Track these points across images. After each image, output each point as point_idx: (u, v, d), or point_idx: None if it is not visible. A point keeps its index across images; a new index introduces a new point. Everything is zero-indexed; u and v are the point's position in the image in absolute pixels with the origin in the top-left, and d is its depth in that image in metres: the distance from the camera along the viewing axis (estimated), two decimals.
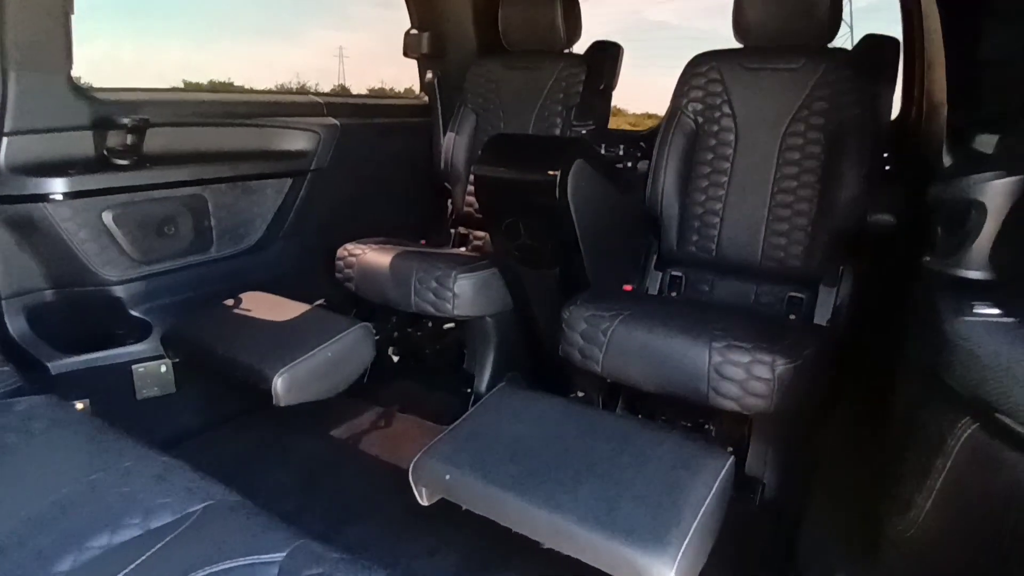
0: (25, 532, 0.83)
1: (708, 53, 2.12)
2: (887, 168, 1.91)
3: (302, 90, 2.43)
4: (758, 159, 2.00)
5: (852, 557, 1.12)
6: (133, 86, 2.04)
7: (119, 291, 1.89)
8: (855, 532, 1.16)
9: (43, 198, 1.71)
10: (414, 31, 2.71)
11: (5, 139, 1.66)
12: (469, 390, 2.17)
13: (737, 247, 2.02)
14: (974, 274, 0.85)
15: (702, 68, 2.08)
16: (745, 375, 1.45)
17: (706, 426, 1.78)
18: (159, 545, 0.81)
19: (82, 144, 1.81)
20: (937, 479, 0.77)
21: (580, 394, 1.91)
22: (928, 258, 0.95)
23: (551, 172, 1.70)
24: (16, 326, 1.76)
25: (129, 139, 1.84)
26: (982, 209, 0.83)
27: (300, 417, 2.05)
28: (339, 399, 2.15)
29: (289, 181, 2.24)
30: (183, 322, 1.85)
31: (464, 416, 1.33)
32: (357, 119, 2.45)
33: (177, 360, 1.85)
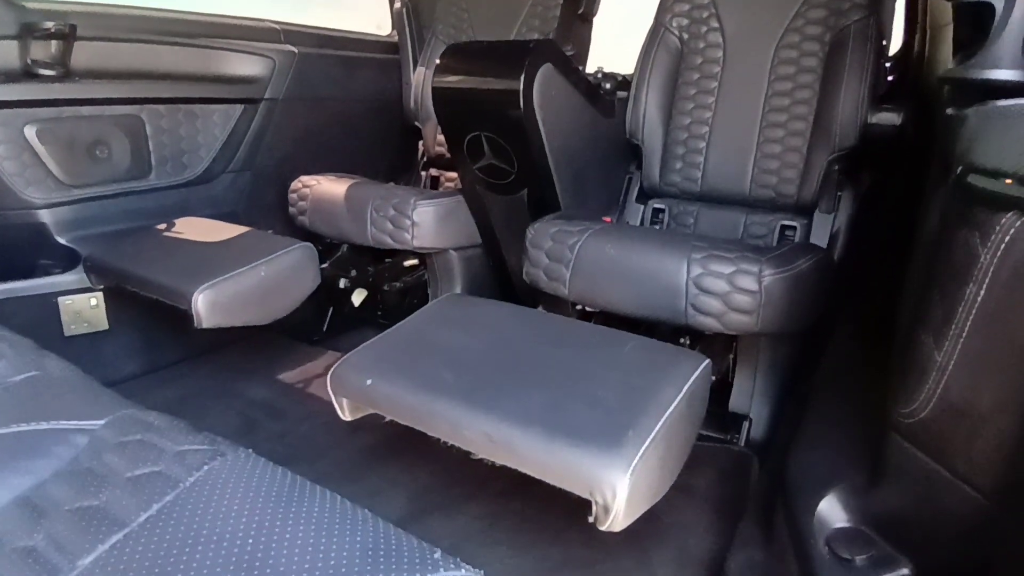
0: None
1: None
2: (890, 79, 1.72)
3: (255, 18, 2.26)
4: (748, 76, 1.82)
5: (844, 476, 0.94)
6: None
7: (44, 216, 1.72)
8: (850, 449, 0.98)
9: None
10: None
11: None
12: None
13: (724, 176, 1.84)
14: (1004, 74, 0.68)
15: None
16: (728, 287, 1.27)
17: None
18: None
19: (6, 55, 1.63)
20: (970, 307, 0.59)
21: None
22: (951, 66, 0.78)
23: (514, 78, 1.53)
24: None
25: (54, 47, 1.67)
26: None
27: (248, 363, 1.89)
28: (292, 347, 1.99)
29: (240, 108, 2.06)
30: (108, 246, 1.67)
31: (398, 323, 1.16)
32: (318, 49, 2.27)
33: (101, 287, 1.67)
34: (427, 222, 1.79)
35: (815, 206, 1.73)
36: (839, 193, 1.73)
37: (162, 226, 1.75)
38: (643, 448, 0.82)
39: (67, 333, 1.71)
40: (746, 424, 1.47)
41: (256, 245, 1.57)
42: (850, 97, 1.66)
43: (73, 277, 1.71)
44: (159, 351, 1.87)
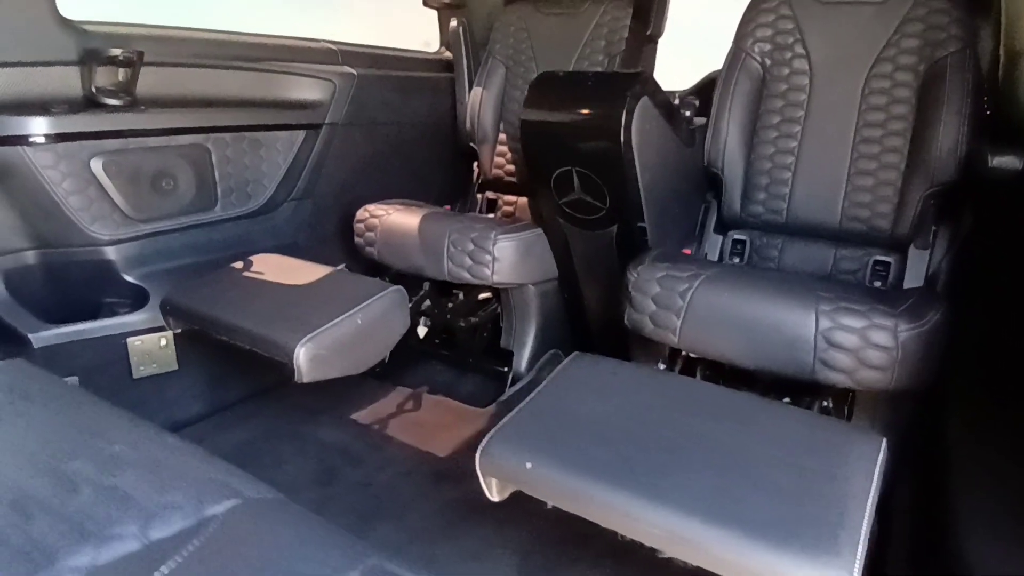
0: None
1: None
2: (988, 114, 1.67)
3: (313, 39, 2.19)
4: (837, 105, 1.76)
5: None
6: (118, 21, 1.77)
7: (111, 252, 1.64)
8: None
9: (22, 140, 1.46)
10: None
11: None
12: (506, 369, 1.93)
13: (812, 207, 1.78)
14: None
15: (771, 3, 1.84)
16: (860, 343, 1.22)
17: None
18: (167, 568, 0.56)
19: (67, 81, 1.55)
20: None
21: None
22: None
23: (616, 110, 1.46)
24: None
25: (121, 75, 1.59)
26: None
27: (317, 399, 1.82)
28: (354, 383, 1.92)
29: (302, 134, 1.99)
30: (185, 287, 1.59)
31: (534, 392, 1.09)
32: (375, 70, 2.19)
33: (179, 331, 1.60)
34: (507, 257, 1.73)
35: (910, 241, 1.68)
36: (935, 228, 1.68)
37: (238, 265, 1.68)
38: (859, 552, 0.76)
39: (136, 375, 1.64)
40: None
41: (346, 289, 1.50)
42: (949, 131, 1.60)
43: (142, 316, 1.64)
44: (225, 389, 1.81)
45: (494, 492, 0.99)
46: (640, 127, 1.50)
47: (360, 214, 1.96)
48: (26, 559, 0.57)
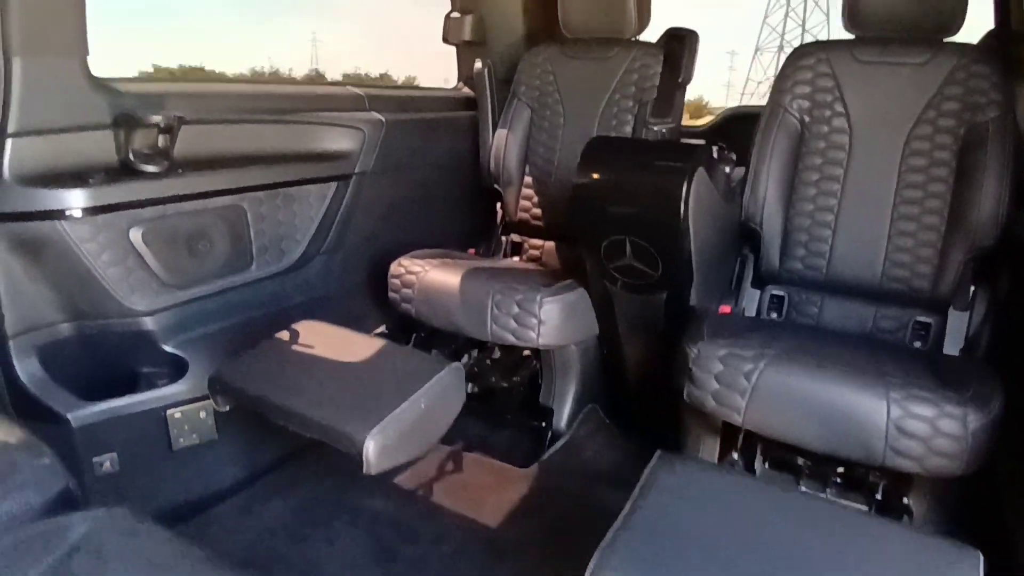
0: None
1: (814, 44, 1.89)
2: None
3: (338, 82, 2.14)
4: (877, 165, 1.77)
5: None
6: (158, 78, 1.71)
7: (149, 323, 1.59)
8: None
9: (59, 214, 1.40)
10: (455, 14, 2.41)
11: (10, 141, 1.34)
12: (544, 424, 1.92)
13: (852, 265, 1.80)
14: None
15: (809, 60, 1.84)
16: (931, 431, 1.23)
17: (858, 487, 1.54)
18: None
19: (102, 146, 1.49)
20: None
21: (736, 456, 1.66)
22: None
23: (674, 183, 1.46)
24: (27, 370, 1.45)
25: (161, 141, 1.53)
26: None
27: (349, 464, 1.78)
28: None
29: (334, 187, 1.94)
30: (233, 365, 1.54)
31: (632, 502, 1.08)
32: (401, 114, 2.15)
33: (227, 409, 1.55)
34: (553, 319, 1.72)
35: (949, 302, 1.70)
36: (973, 288, 1.70)
37: (284, 335, 1.63)
38: None
39: (175, 447, 1.60)
40: None
41: (403, 367, 1.47)
42: (989, 197, 1.63)
43: (181, 388, 1.60)
44: (263, 452, 1.76)
45: None
46: (696, 198, 1.50)
47: (395, 269, 1.93)
48: None
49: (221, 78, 2.02)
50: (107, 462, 1.49)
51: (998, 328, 1.66)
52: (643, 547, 0.97)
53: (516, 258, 2.34)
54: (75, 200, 1.41)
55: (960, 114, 1.70)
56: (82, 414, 1.46)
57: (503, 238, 2.37)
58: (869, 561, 0.96)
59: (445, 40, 2.45)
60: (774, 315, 1.90)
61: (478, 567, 1.48)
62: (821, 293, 1.85)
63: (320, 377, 1.47)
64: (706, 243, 1.63)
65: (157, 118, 1.49)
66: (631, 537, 0.99)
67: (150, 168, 1.51)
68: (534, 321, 1.71)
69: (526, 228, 2.32)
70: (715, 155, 1.89)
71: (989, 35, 1.84)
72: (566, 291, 1.75)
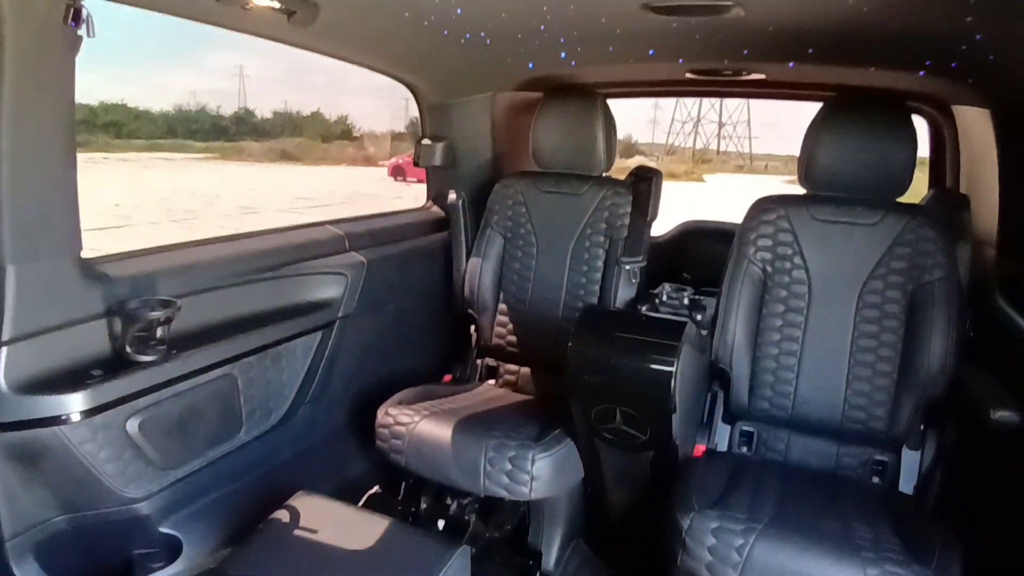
0: None
1: (773, 197, 2.03)
2: (971, 335, 1.88)
3: (316, 223, 2.16)
4: (834, 315, 1.93)
5: None
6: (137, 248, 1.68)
7: (144, 508, 1.56)
8: None
9: (58, 420, 1.37)
10: (427, 141, 2.48)
11: (4, 350, 1.32)
12: (532, 563, 1.98)
13: (816, 406, 1.94)
14: None
15: (769, 215, 1.99)
16: None
17: None
18: None
19: (97, 337, 1.47)
20: None
21: None
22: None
23: (667, 365, 1.56)
24: (24, 570, 1.41)
25: (159, 332, 1.52)
26: None
27: None
28: None
29: (319, 335, 1.96)
30: (234, 559, 1.53)
31: None
32: (379, 249, 2.19)
33: None
34: (545, 475, 1.78)
35: (903, 442, 1.87)
36: (924, 428, 1.87)
37: (284, 516, 1.62)
38: None
39: None
40: None
41: (411, 554, 1.49)
42: (937, 351, 1.80)
43: (178, 568, 1.57)
44: None
45: None
46: (683, 371, 1.60)
47: (383, 419, 1.95)
48: None
49: (212, 240, 1.96)
50: None
51: (948, 468, 1.83)
52: None
53: (492, 381, 2.39)
54: (74, 404, 1.38)
55: (909, 272, 1.87)
56: None
57: (478, 362, 2.42)
58: None
59: (416, 164, 2.50)
60: (744, 449, 2.02)
61: None
62: (788, 430, 1.99)
63: (327, 568, 1.48)
64: (687, 398, 1.73)
65: (156, 314, 1.48)
66: None
67: (147, 358, 1.50)
68: (527, 477, 1.77)
69: (501, 353, 2.39)
70: (664, 298, 2.01)
71: (933, 195, 2.04)
72: (556, 446, 1.82)
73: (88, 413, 1.40)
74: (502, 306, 2.37)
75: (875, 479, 1.90)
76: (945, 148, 2.31)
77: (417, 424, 1.90)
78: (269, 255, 1.89)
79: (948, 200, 2.02)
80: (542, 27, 1.74)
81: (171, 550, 1.59)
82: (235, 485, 1.73)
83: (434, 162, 2.48)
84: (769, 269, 1.99)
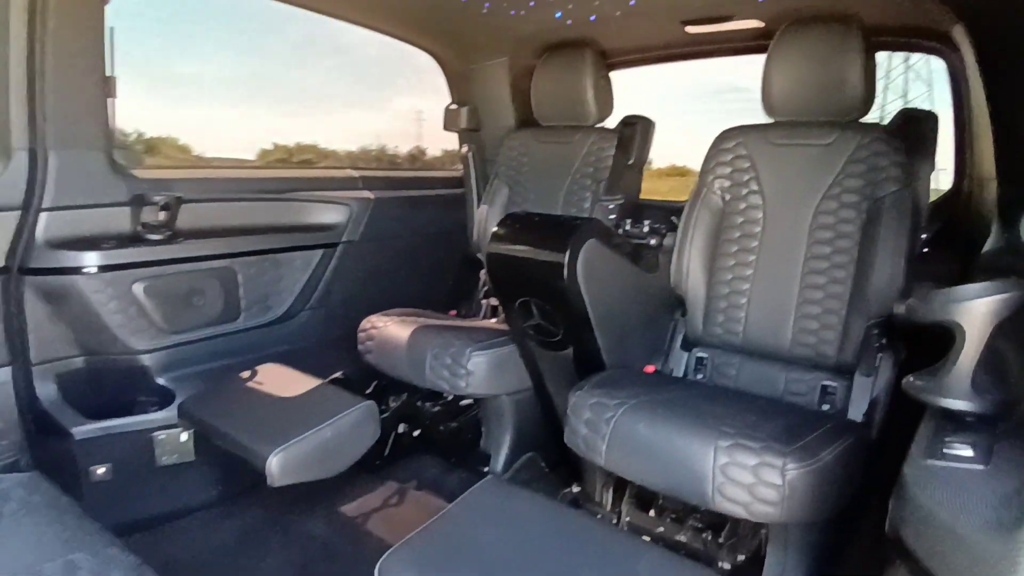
0: None
1: (736, 128, 2.05)
2: (925, 250, 1.77)
3: (339, 166, 2.51)
4: (787, 239, 1.90)
5: None
6: (169, 165, 2.14)
7: (145, 360, 1.95)
8: None
9: (76, 271, 1.80)
10: (453, 106, 2.77)
11: (43, 215, 1.77)
12: (486, 469, 2.11)
13: (764, 331, 1.91)
14: (954, 404, 0.75)
15: (729, 143, 2.02)
16: (753, 479, 1.34)
17: (719, 533, 1.65)
18: None
19: (118, 219, 1.90)
20: None
21: (576, 489, 1.83)
22: (911, 378, 0.84)
23: (559, 254, 1.67)
24: (44, 392, 1.84)
25: (162, 215, 1.93)
26: (960, 331, 0.74)
27: (314, 491, 2.03)
28: (353, 474, 2.12)
29: (319, 253, 2.29)
30: (199, 394, 1.88)
31: (440, 513, 1.28)
32: (391, 191, 2.50)
33: (192, 430, 1.87)
34: (480, 371, 1.93)
35: (855, 368, 1.77)
36: (879, 356, 1.76)
37: (245, 374, 1.95)
38: None
39: (159, 463, 1.92)
40: None
41: (323, 403, 1.74)
42: (886, 268, 1.72)
43: (167, 414, 1.92)
44: (236, 478, 2.05)
45: None
46: (587, 264, 1.70)
47: (364, 324, 2.22)
48: None
49: (223, 163, 2.37)
50: (101, 469, 1.83)
51: (897, 395, 1.71)
52: (431, 549, 1.17)
53: (494, 319, 2.57)
54: (90, 260, 1.81)
55: (862, 189, 1.81)
56: (83, 429, 1.82)
57: (483, 302, 2.62)
58: (615, 569, 1.11)
59: (445, 128, 2.80)
60: (700, 376, 2.02)
61: None
62: (739, 356, 1.97)
63: (257, 408, 1.76)
64: (612, 306, 1.81)
65: (160, 198, 1.90)
66: (422, 541, 1.19)
67: (153, 236, 1.91)
68: (463, 371, 1.93)
69: None
70: (646, 229, 2.08)
71: (900, 114, 1.95)
72: (496, 346, 1.97)
73: (101, 269, 1.83)
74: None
75: (826, 407, 1.82)
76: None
77: (386, 327, 2.15)
78: (280, 182, 2.27)
79: (915, 118, 1.91)
80: None
81: (165, 398, 1.96)
82: (228, 361, 2.08)
83: (460, 125, 2.76)
84: (728, 197, 2.01)
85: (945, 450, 0.68)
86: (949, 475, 0.64)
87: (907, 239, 1.72)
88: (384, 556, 1.16)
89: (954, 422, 0.74)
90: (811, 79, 1.87)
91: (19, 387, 1.82)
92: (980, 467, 0.65)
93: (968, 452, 0.67)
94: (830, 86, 1.85)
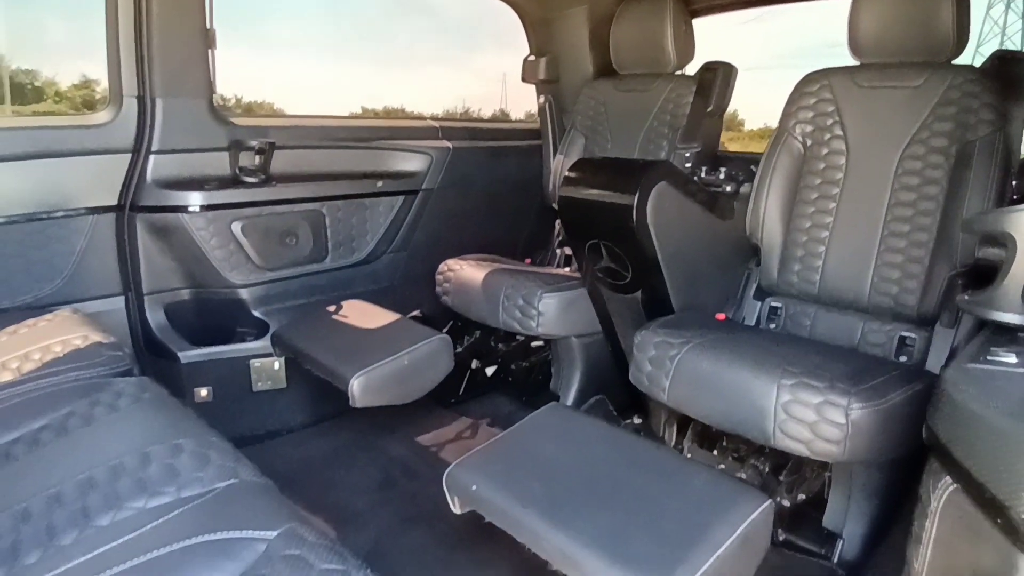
0: (77, 490, 0.97)
1: (820, 71, 1.99)
2: (1015, 197, 1.68)
3: (419, 116, 2.60)
4: (871, 184, 1.84)
5: None
6: (267, 115, 2.28)
7: (243, 293, 2.12)
8: None
9: (182, 209, 1.97)
10: (531, 57, 2.79)
11: (152, 157, 1.94)
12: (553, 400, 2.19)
13: (843, 280, 1.87)
14: (1003, 316, 0.74)
15: (813, 87, 1.96)
16: (816, 417, 1.34)
17: (780, 473, 1.66)
18: (179, 511, 0.91)
19: (218, 163, 2.06)
20: (927, 545, 0.68)
21: (638, 420, 1.87)
22: (965, 296, 0.83)
23: (629, 196, 1.69)
24: (155, 319, 2.03)
25: (258, 160, 2.07)
26: (1012, 243, 0.72)
27: (394, 420, 2.18)
28: (431, 408, 2.26)
29: (401, 199, 2.40)
30: (290, 324, 2.04)
31: (505, 432, 1.36)
32: (469, 142, 2.57)
33: (284, 357, 2.04)
34: (551, 312, 1.99)
35: (936, 319, 1.72)
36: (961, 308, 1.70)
37: (331, 308, 2.09)
38: None
39: (255, 389, 2.10)
40: (840, 543, 1.51)
41: (402, 334, 1.85)
42: (973, 213, 1.65)
43: (263, 343, 2.10)
44: (323, 404, 2.21)
45: (456, 506, 1.27)
46: (657, 207, 1.71)
47: (441, 267, 2.32)
48: (107, 499, 0.95)
49: (318, 115, 2.50)
50: (204, 391, 2.03)
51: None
52: (492, 460, 1.25)
53: (568, 268, 2.62)
54: (194, 200, 1.98)
55: (952, 133, 1.73)
56: (189, 354, 2.01)
57: (558, 251, 2.67)
58: (672, 492, 1.16)
59: (524, 79, 2.83)
60: (773, 326, 2.00)
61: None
62: (815, 306, 1.94)
63: (342, 336, 1.90)
64: (682, 251, 1.82)
65: (255, 142, 2.04)
66: (486, 452, 1.27)
67: (250, 179, 2.06)
68: (534, 312, 2.00)
69: None
70: (721, 176, 2.07)
71: (993, 56, 1.84)
72: (566, 288, 2.02)
73: (204, 208, 1.99)
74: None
75: (903, 359, 1.77)
76: None
77: (463, 270, 2.24)
78: (366, 131, 2.38)
79: (1010, 59, 1.79)
80: None
81: (260, 330, 2.13)
82: (318, 297, 2.23)
83: (538, 76, 2.78)
84: (809, 142, 1.96)
85: (989, 356, 0.68)
86: (988, 376, 0.65)
87: (998, 183, 1.64)
88: (451, 465, 1.25)
89: (1006, 334, 0.73)
90: (901, 17, 1.79)
91: (132, 315, 2.03)
92: (1021, 370, 0.65)
93: (1012, 359, 0.67)
94: (922, 25, 1.77)
